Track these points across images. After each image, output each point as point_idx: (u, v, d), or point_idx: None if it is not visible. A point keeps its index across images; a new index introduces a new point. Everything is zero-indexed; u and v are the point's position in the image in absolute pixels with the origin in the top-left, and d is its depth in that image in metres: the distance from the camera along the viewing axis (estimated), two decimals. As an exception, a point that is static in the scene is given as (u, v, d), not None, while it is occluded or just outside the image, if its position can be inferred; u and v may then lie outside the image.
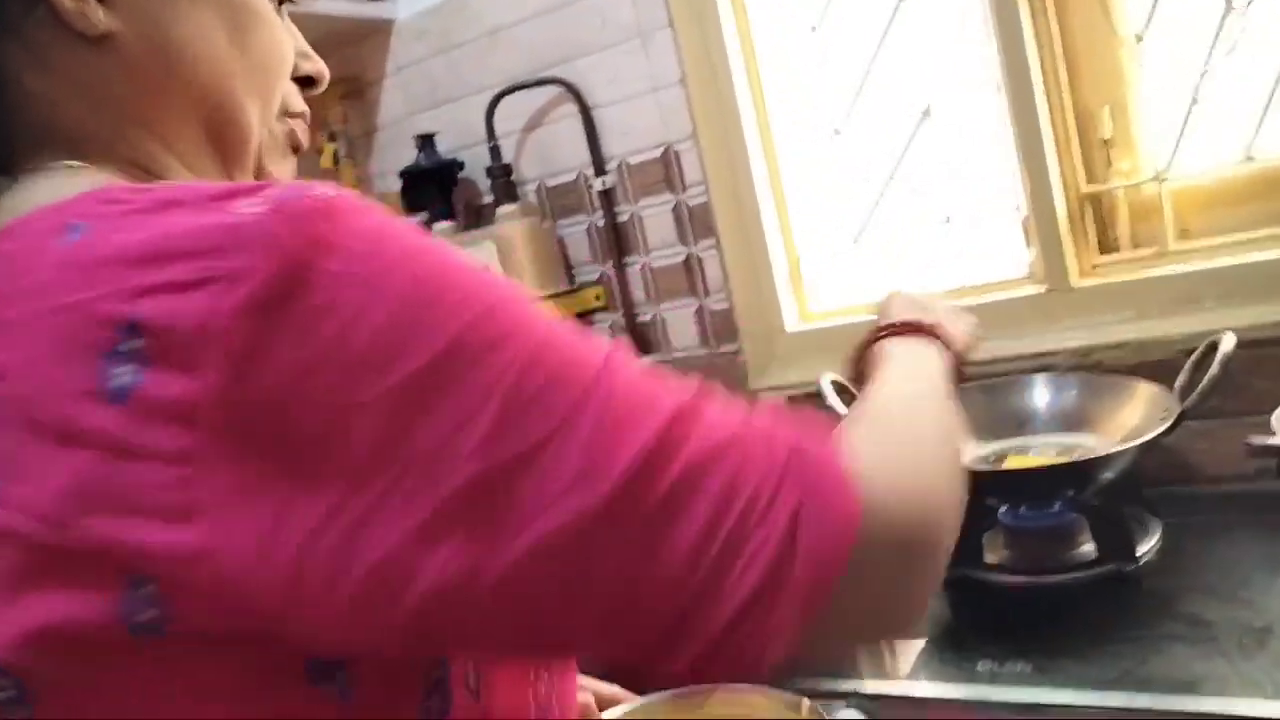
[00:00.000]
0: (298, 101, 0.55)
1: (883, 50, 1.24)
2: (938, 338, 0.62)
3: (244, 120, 0.51)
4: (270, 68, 0.52)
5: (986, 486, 0.98)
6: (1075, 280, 1.13)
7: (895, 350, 0.61)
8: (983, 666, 0.81)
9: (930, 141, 1.24)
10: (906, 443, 0.46)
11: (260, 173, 0.54)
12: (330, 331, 0.35)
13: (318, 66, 0.57)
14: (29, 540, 0.35)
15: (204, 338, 0.34)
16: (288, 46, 0.54)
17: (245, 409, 0.34)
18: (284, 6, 0.54)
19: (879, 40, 1.24)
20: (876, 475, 0.40)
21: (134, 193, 0.40)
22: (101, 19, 0.47)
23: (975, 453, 1.06)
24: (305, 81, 0.56)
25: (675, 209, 1.35)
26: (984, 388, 1.11)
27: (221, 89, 0.50)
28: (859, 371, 0.64)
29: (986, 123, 1.18)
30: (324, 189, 0.38)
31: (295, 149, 0.56)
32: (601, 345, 0.39)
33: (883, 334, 0.63)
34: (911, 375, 0.57)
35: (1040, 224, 1.14)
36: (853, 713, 0.81)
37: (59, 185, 0.44)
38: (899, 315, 0.65)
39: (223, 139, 0.51)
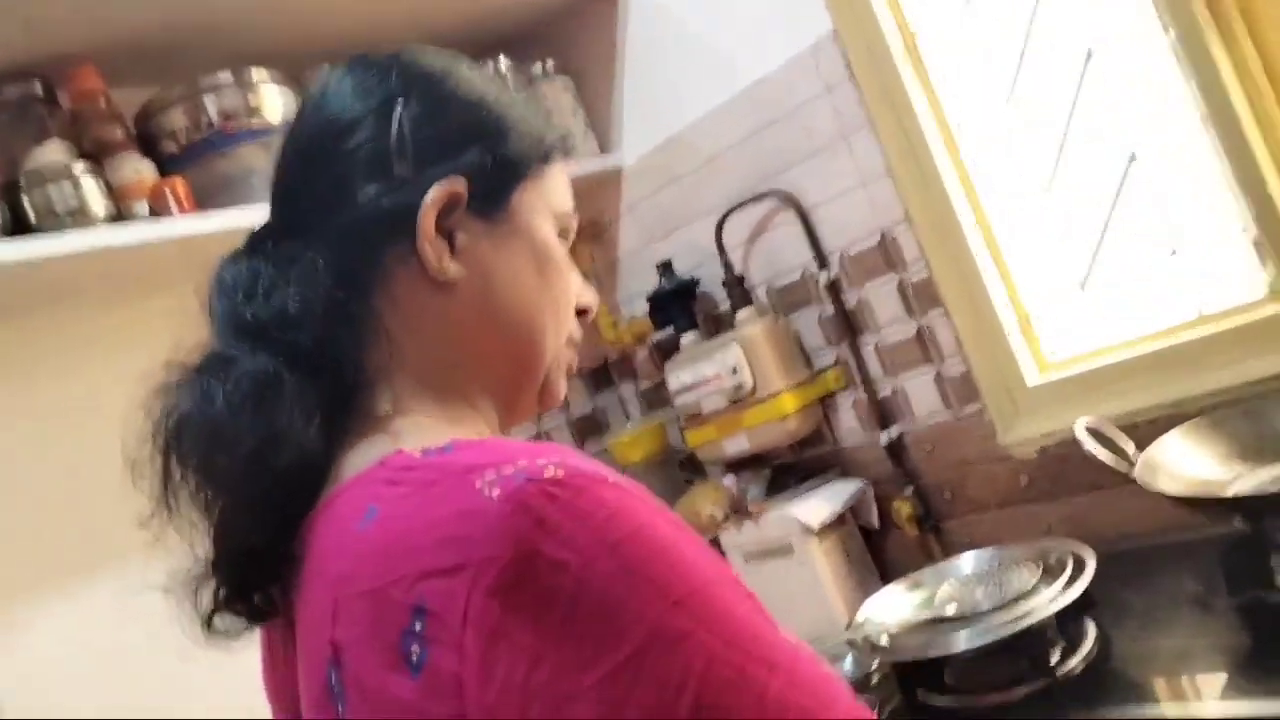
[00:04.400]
0: (578, 331, 0.67)
1: (1081, 103, 1.31)
2: None
3: (542, 346, 0.63)
4: (565, 302, 0.64)
5: (1263, 508, 1.00)
6: (1320, 293, 1.14)
7: None
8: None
9: (1143, 183, 1.28)
10: None
11: (549, 390, 0.65)
12: (554, 619, 0.42)
13: (591, 298, 0.68)
14: None
15: (464, 620, 0.43)
16: (575, 283, 0.66)
17: (492, 689, 0.42)
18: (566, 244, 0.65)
19: (1074, 94, 1.31)
20: None
21: (405, 471, 0.50)
22: (451, 268, 0.59)
23: (1253, 479, 1.07)
24: (581, 313, 0.67)
25: (899, 286, 1.46)
26: (1246, 412, 1.13)
27: (531, 323, 0.62)
28: None
29: (1199, 156, 1.21)
30: (554, 469, 0.45)
31: (569, 371, 0.67)
32: (785, 643, 0.44)
33: None
34: None
35: (1270, 241, 1.15)
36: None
37: (378, 443, 0.55)
38: None
39: (524, 362, 0.63)
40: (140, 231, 1.17)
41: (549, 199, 0.64)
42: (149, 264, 1.24)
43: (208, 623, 0.60)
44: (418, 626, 0.44)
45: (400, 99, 0.60)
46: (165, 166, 1.27)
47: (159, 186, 1.22)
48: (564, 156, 0.66)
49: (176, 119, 1.28)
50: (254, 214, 1.20)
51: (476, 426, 0.62)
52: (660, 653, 0.42)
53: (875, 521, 1.54)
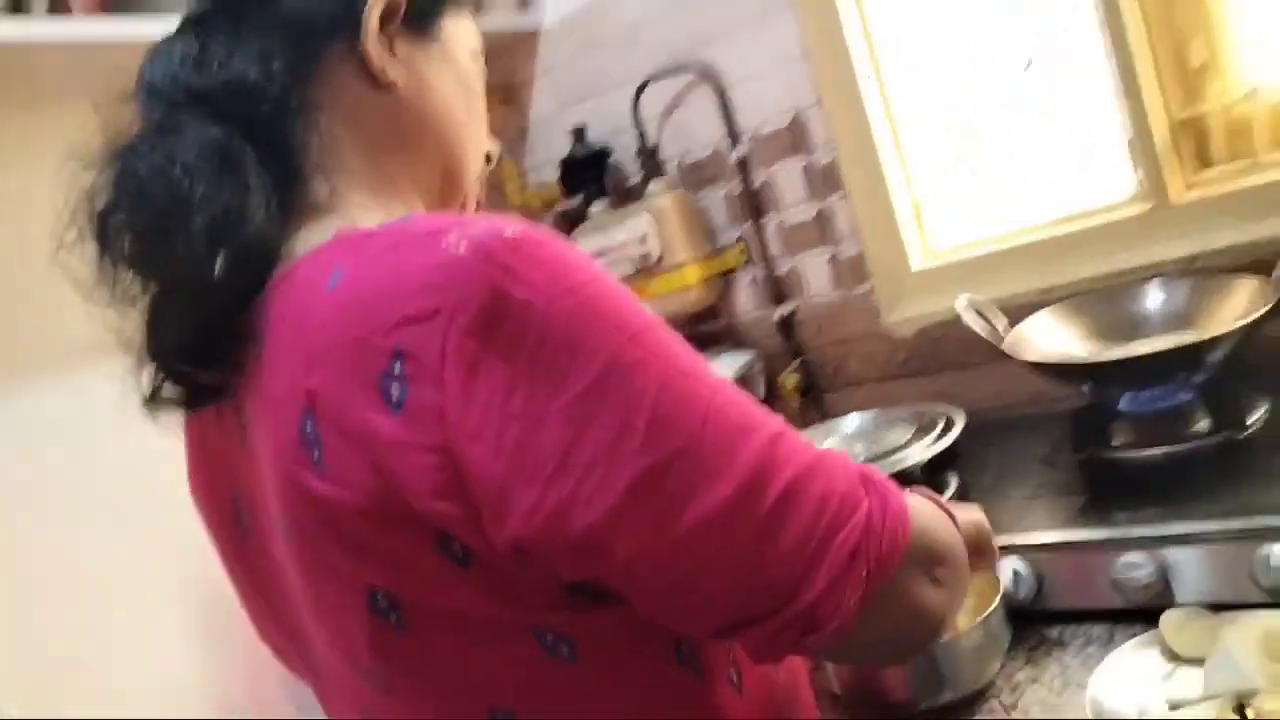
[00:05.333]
0: (484, 169, 0.73)
1: (988, 6, 1.39)
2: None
3: (465, 159, 0.69)
4: (481, 130, 0.70)
5: (1109, 376, 1.13)
6: (1177, 196, 1.27)
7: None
8: (1120, 515, 0.98)
9: (1037, 87, 1.38)
10: (935, 514, 0.58)
11: (465, 206, 0.71)
12: (524, 351, 0.47)
13: (495, 145, 0.74)
14: (357, 509, 0.49)
15: (443, 357, 0.47)
16: (486, 123, 0.71)
17: (471, 415, 0.46)
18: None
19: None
20: (918, 509, 0.55)
21: (366, 239, 0.53)
22: (390, 71, 0.63)
23: (1106, 355, 1.21)
24: (485, 158, 0.73)
25: (805, 169, 1.53)
26: (1102, 296, 1.26)
27: (457, 138, 0.67)
28: None
29: (1088, 64, 1.31)
30: (511, 228, 0.49)
31: (477, 205, 0.73)
32: (713, 373, 0.52)
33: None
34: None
35: (1141, 148, 1.28)
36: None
37: (321, 227, 0.57)
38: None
39: (450, 170, 0.68)
40: (37, 27, 1.10)
41: (467, 38, 0.69)
42: (46, 68, 1.17)
43: (150, 400, 0.61)
44: (397, 368, 0.47)
45: None
46: (66, -37, 1.18)
47: (60, -17, 1.14)
48: (473, 9, 0.70)
49: (78, -89, 1.19)
50: (165, 24, 1.16)
51: None
52: (619, 377, 0.47)
53: (761, 391, 1.63)
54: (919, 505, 0.56)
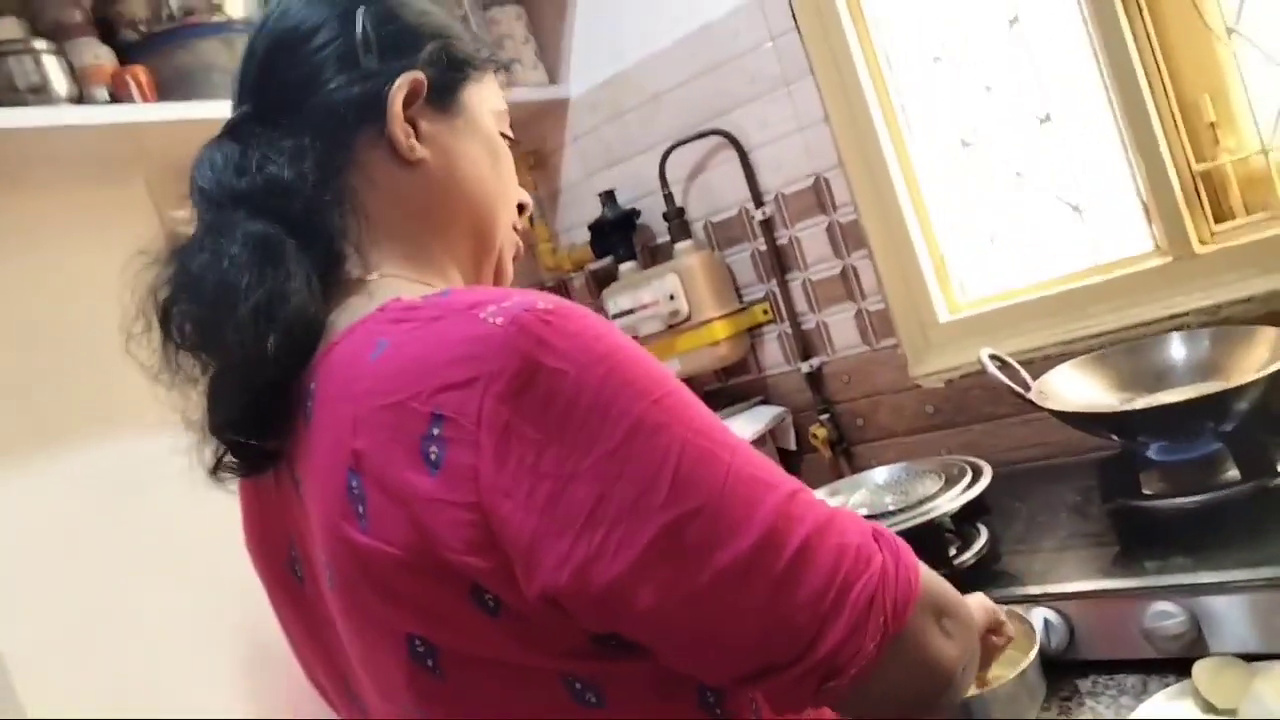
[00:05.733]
0: (519, 220, 0.77)
1: (1001, 69, 1.44)
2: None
3: (497, 228, 0.73)
4: (511, 189, 0.75)
5: (1137, 425, 1.14)
6: (1197, 248, 1.29)
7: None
8: (1150, 565, 0.98)
9: (1052, 144, 1.42)
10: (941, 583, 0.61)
11: (501, 269, 0.75)
12: (555, 415, 0.50)
13: (528, 197, 0.78)
14: (396, 561, 0.52)
15: (479, 421, 0.50)
16: (515, 177, 0.75)
17: (505, 475, 0.50)
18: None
19: (996, 61, 1.43)
20: (924, 566, 0.58)
21: (409, 310, 0.57)
22: (418, 149, 0.67)
23: (1127, 404, 1.22)
24: (519, 208, 0.77)
25: (829, 228, 1.57)
26: (1126, 349, 1.28)
27: (486, 202, 0.71)
28: None
29: (1102, 121, 1.35)
30: (544, 301, 0.53)
31: (515, 255, 0.77)
32: (732, 434, 0.55)
33: None
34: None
35: (1159, 201, 1.30)
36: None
37: (372, 295, 0.62)
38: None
39: (481, 239, 0.72)
40: (104, 114, 1.18)
41: (489, 99, 0.73)
42: (108, 149, 1.25)
43: (213, 471, 0.66)
44: (436, 431, 0.51)
45: (360, 5, 0.68)
46: (123, 54, 1.26)
47: (120, 73, 1.22)
48: (495, 68, 0.75)
49: (137, 8, 1.28)
50: (212, 108, 1.24)
51: None
52: (645, 438, 0.51)
53: (793, 444, 1.66)
54: (923, 563, 0.58)
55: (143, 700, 1.22)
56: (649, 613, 0.50)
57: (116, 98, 1.22)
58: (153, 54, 1.28)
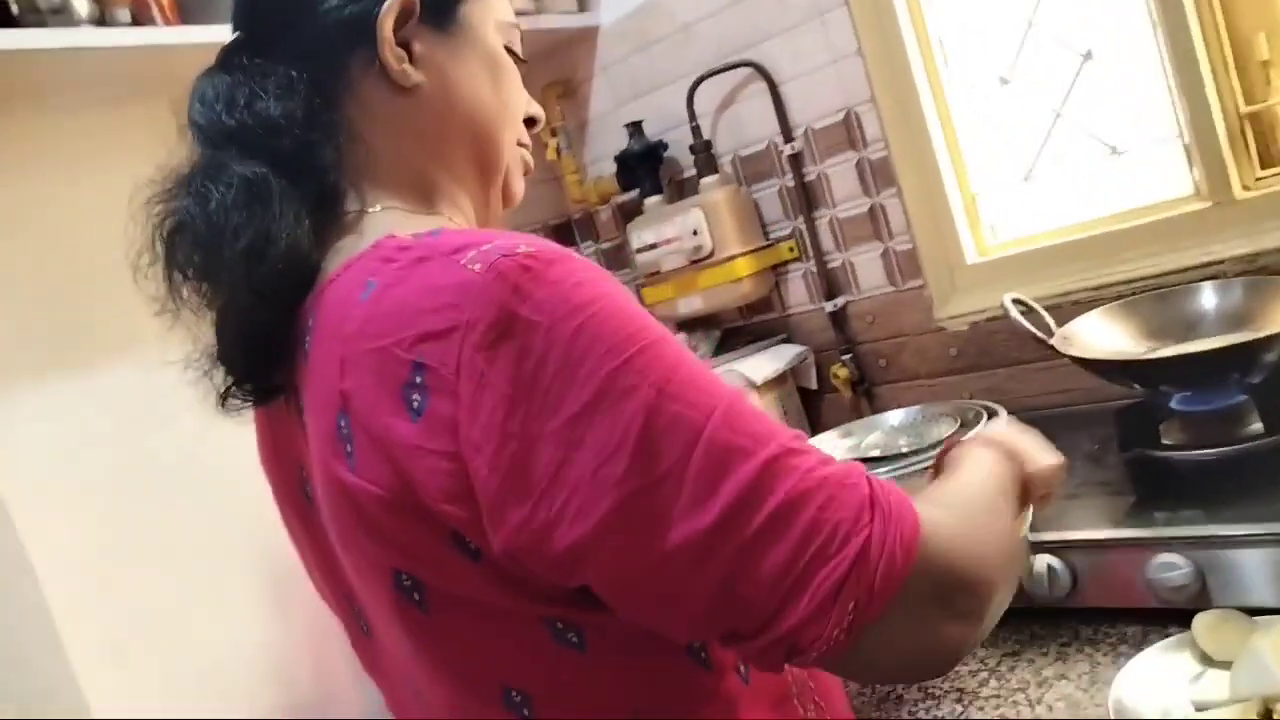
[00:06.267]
0: (526, 135, 0.75)
1: (1044, 3, 1.38)
2: (1013, 456, 0.67)
3: (500, 147, 0.71)
4: (516, 107, 0.72)
5: (1160, 374, 1.12)
6: (1239, 194, 1.24)
7: (972, 454, 0.67)
8: (1158, 515, 0.97)
9: (1094, 81, 1.36)
10: (966, 517, 0.56)
11: (508, 189, 0.73)
12: (525, 372, 0.49)
13: (538, 109, 0.75)
14: (381, 500, 0.53)
15: (457, 372, 0.50)
16: (523, 91, 0.73)
17: (477, 429, 0.50)
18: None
19: (1038, -6, 1.37)
20: (940, 530, 0.52)
21: (400, 250, 0.57)
22: (413, 74, 0.65)
23: (1152, 353, 1.19)
24: (529, 122, 0.75)
25: (858, 164, 1.53)
26: (1155, 298, 1.24)
27: (487, 123, 0.69)
28: (939, 469, 0.69)
29: (1147, 58, 1.29)
30: (524, 245, 0.53)
31: (526, 171, 0.75)
32: (719, 390, 0.51)
33: (964, 444, 0.69)
34: (979, 473, 0.63)
35: (1201, 144, 1.25)
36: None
37: (373, 228, 0.62)
38: (989, 435, 0.71)
39: (485, 162, 0.70)
40: (123, 35, 1.18)
41: (495, 11, 0.70)
42: (130, 71, 1.25)
43: (222, 401, 0.67)
44: (418, 379, 0.52)
45: None
46: (147, -25, 1.26)
47: (142, -6, 1.21)
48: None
49: (160, -74, 1.27)
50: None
51: (455, 221, 0.70)
52: (610, 404, 0.49)
53: (814, 383, 1.65)
54: (940, 523, 0.53)
55: (168, 620, 1.27)
56: (606, 579, 0.51)
57: (139, 20, 1.21)
58: (176, -25, 1.27)
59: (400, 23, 0.65)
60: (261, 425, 0.73)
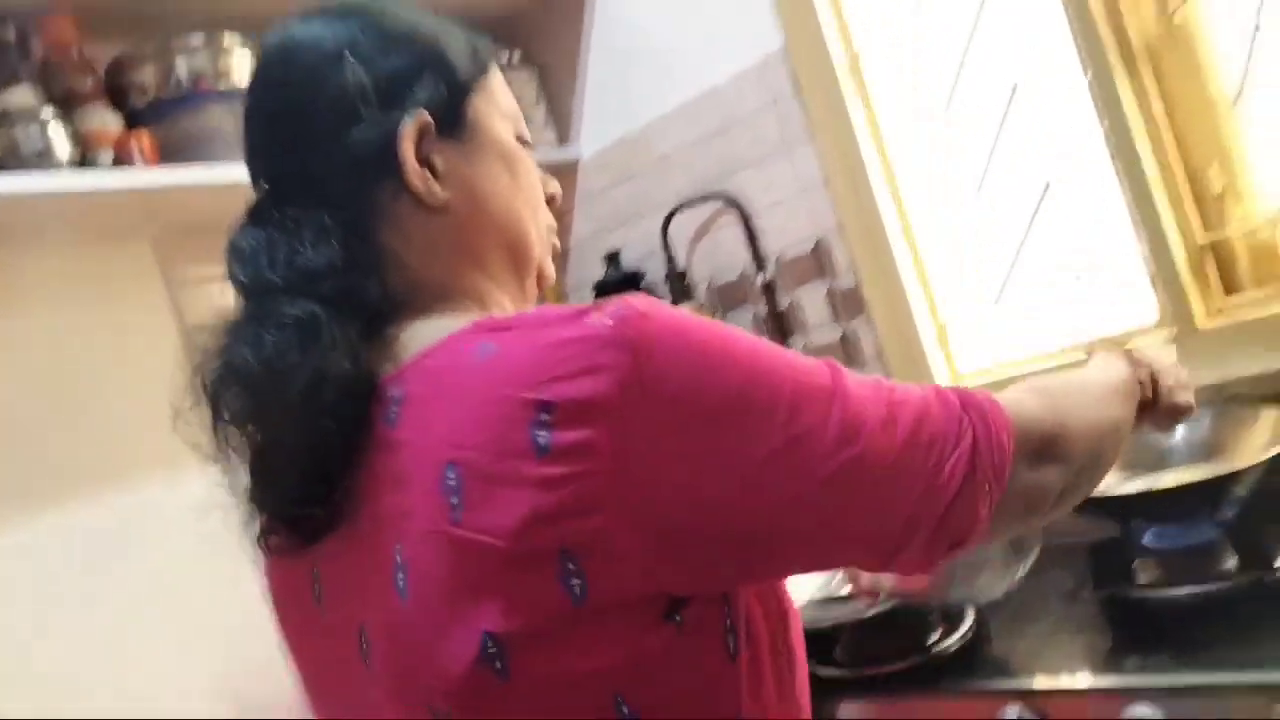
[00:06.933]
0: (551, 217, 0.74)
1: (1004, 133, 1.41)
2: (1149, 373, 0.81)
3: (530, 237, 0.70)
4: (536, 194, 0.71)
5: (1131, 510, 1.10)
6: (1202, 323, 1.24)
7: (1107, 358, 0.81)
8: (1132, 661, 0.93)
9: (1058, 209, 1.39)
10: (1053, 399, 0.68)
11: (541, 274, 0.73)
12: (668, 397, 0.52)
13: (555, 186, 0.75)
14: (491, 550, 0.51)
15: (593, 406, 0.50)
16: (538, 173, 0.73)
17: (619, 438, 0.51)
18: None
19: (999, 123, 1.41)
20: (1023, 411, 0.63)
21: (509, 321, 0.57)
22: (440, 193, 0.65)
23: (1127, 487, 1.17)
24: (548, 200, 0.74)
25: (829, 293, 1.55)
26: (1125, 426, 1.23)
27: (517, 221, 0.69)
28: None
29: (1106, 189, 1.31)
30: (638, 302, 0.54)
31: (554, 254, 0.74)
32: (825, 366, 0.58)
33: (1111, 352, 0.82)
34: (1096, 374, 0.77)
35: (1162, 273, 1.26)
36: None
37: (445, 324, 0.60)
38: (1140, 351, 0.84)
39: (518, 255, 0.69)
40: (103, 178, 1.21)
41: (498, 104, 0.70)
42: (110, 212, 1.29)
43: (262, 542, 0.66)
44: (544, 417, 0.51)
45: (346, 48, 0.65)
46: (132, 119, 1.31)
47: (125, 137, 1.26)
48: (494, 59, 0.73)
49: (147, 75, 1.33)
50: (216, 172, 1.27)
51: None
52: (752, 388, 0.54)
53: (791, 513, 1.62)
54: (1022, 402, 0.64)
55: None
56: (773, 507, 0.54)
57: (120, 162, 1.26)
58: (160, 119, 1.32)
59: (418, 143, 0.65)
60: (285, 584, 0.70)
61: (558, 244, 0.75)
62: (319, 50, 0.66)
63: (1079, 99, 1.31)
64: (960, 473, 0.58)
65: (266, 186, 0.68)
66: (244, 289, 0.65)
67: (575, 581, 0.52)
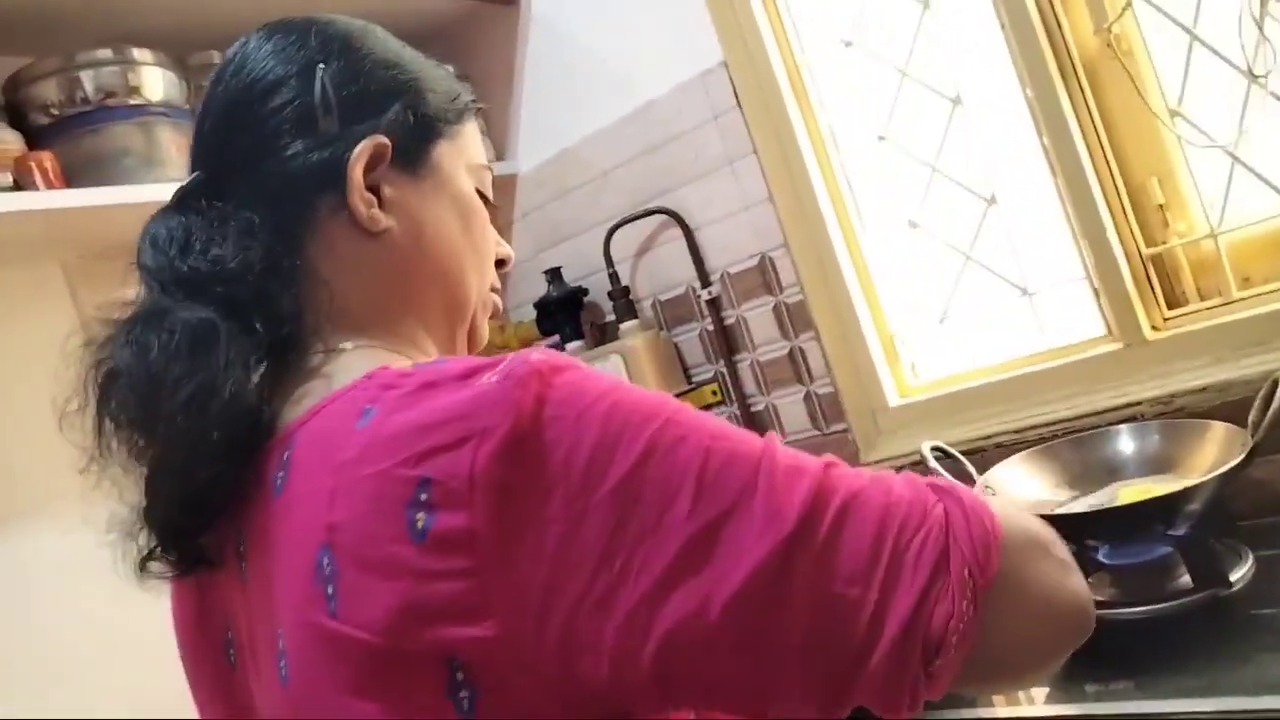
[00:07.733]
0: (496, 279, 0.71)
1: (948, 146, 1.40)
2: None
3: (469, 291, 0.66)
4: (486, 251, 0.68)
5: (1082, 528, 1.08)
6: (1149, 335, 1.24)
7: None
8: (1090, 688, 0.91)
9: (1001, 224, 1.37)
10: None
11: (474, 330, 0.69)
12: (557, 461, 0.46)
13: (508, 251, 0.72)
14: (368, 648, 0.46)
15: (471, 482, 0.45)
16: (493, 233, 0.69)
17: (507, 530, 0.45)
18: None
19: (942, 137, 1.39)
20: (1000, 507, 0.51)
21: (401, 377, 0.52)
22: (381, 219, 0.61)
23: (1077, 504, 1.15)
24: (499, 264, 0.71)
25: (775, 308, 1.52)
26: (1073, 441, 1.21)
27: (456, 267, 0.65)
28: None
29: (1049, 203, 1.31)
30: (537, 357, 0.49)
31: (493, 314, 0.71)
32: (755, 434, 0.50)
33: None
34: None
35: (1108, 286, 1.25)
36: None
37: (355, 365, 0.56)
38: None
39: (452, 305, 0.66)
40: (3, 201, 1.13)
41: (467, 155, 0.67)
42: (15, 235, 1.20)
43: (142, 566, 0.60)
44: (423, 496, 0.46)
45: (321, 61, 0.62)
46: (34, 138, 1.23)
47: (25, 159, 1.18)
48: (476, 115, 0.70)
49: (49, 91, 1.24)
50: (122, 193, 1.19)
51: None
52: (661, 457, 0.46)
53: (742, 534, 1.58)
54: (993, 502, 0.52)
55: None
56: (676, 633, 0.45)
57: (21, 184, 1.18)
58: (64, 138, 1.24)
59: (371, 167, 0.61)
60: (188, 596, 0.65)
61: (500, 305, 0.72)
62: (295, 54, 0.63)
63: (1019, 114, 1.30)
64: (933, 550, 0.46)
65: (199, 176, 0.64)
66: (148, 276, 0.60)
67: (463, 695, 0.46)
